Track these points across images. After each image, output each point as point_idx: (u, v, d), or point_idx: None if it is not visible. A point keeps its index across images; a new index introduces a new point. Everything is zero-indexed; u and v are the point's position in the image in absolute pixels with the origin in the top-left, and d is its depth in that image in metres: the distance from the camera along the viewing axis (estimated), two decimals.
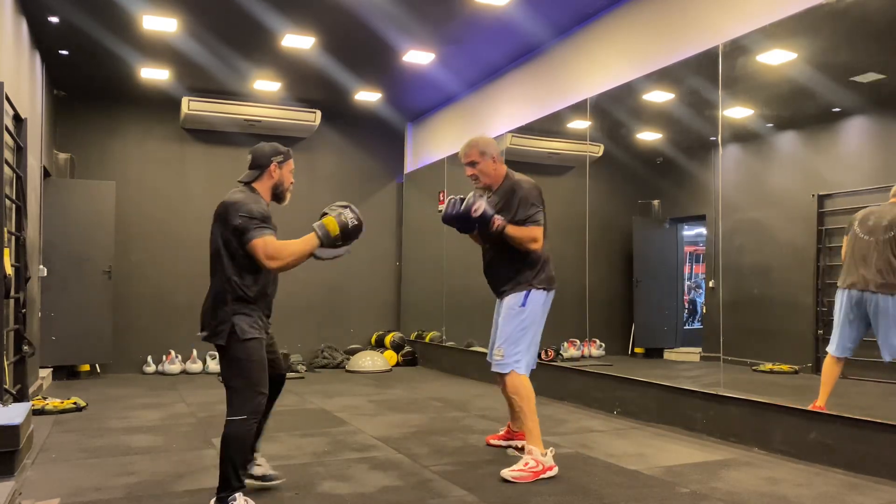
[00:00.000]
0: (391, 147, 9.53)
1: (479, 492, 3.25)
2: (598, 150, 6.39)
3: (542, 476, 3.43)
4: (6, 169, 4.64)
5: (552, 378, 5.88)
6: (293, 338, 8.20)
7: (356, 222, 2.94)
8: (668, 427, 4.71)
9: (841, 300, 4.19)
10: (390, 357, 8.52)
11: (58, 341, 7.05)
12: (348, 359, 8.40)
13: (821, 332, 5.32)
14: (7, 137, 4.71)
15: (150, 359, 7.90)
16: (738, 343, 5.44)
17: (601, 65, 5.93)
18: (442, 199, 8.37)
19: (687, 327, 7.94)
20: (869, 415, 3.60)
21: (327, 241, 2.90)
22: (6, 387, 4.42)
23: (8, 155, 4.75)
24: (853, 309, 4.12)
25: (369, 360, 8.15)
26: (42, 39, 6.42)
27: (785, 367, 5.56)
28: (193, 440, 4.38)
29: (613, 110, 6.16)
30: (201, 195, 8.32)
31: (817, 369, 5.25)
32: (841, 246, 4.37)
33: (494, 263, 3.76)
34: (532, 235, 3.58)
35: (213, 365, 7.93)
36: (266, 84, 7.74)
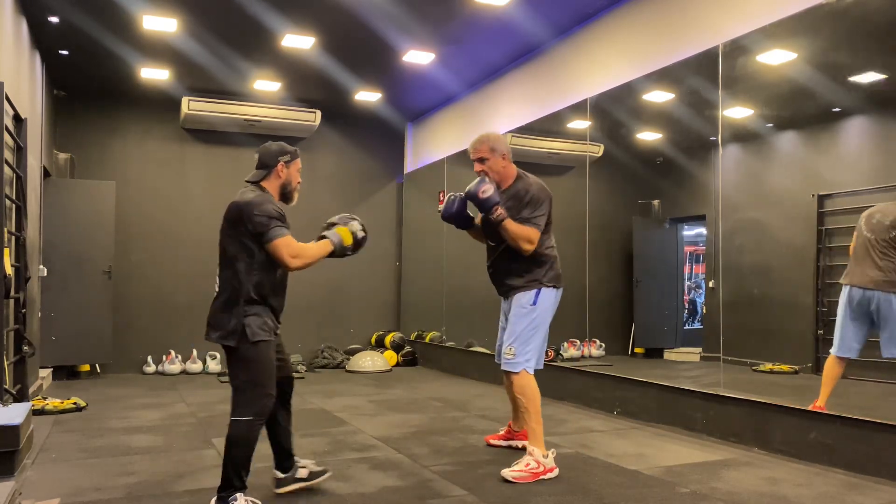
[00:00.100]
0: (391, 147, 9.53)
1: (479, 492, 3.25)
2: (598, 150, 6.39)
3: (541, 477, 3.43)
4: (6, 169, 4.64)
5: (552, 378, 5.87)
6: (293, 338, 8.18)
7: (364, 234, 3.11)
8: (668, 427, 4.72)
9: (843, 298, 4.17)
10: (390, 357, 8.52)
11: (58, 341, 7.05)
12: (348, 359, 8.40)
13: (821, 332, 5.32)
14: (7, 137, 4.71)
15: (150, 359, 7.90)
16: (738, 343, 5.44)
17: (601, 65, 5.93)
18: (442, 198, 8.37)
19: (687, 327, 7.94)
20: (869, 415, 3.60)
21: (340, 251, 3.03)
22: (6, 387, 4.42)
23: (8, 155, 4.75)
24: (855, 307, 4.10)
25: (369, 360, 8.15)
26: (42, 39, 6.42)
27: (785, 368, 5.56)
28: (193, 440, 4.38)
29: (613, 110, 6.16)
30: (201, 195, 8.33)
31: (817, 369, 5.25)
32: (841, 245, 4.37)
33: (503, 261, 3.71)
34: (528, 236, 3.56)
35: (213, 365, 7.93)
36: (266, 84, 7.74)
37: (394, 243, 9.40)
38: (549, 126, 6.66)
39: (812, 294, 5.48)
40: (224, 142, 8.43)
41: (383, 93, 8.18)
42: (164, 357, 7.88)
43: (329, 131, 8.90)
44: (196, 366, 7.89)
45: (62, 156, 7.63)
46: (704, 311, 7.61)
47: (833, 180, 5.45)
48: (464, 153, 7.80)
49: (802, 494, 3.21)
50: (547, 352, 6.24)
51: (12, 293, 4.71)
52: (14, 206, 4.96)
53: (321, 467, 3.29)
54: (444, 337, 8.31)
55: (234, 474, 2.80)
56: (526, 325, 3.60)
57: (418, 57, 6.87)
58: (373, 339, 9.08)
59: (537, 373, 3.73)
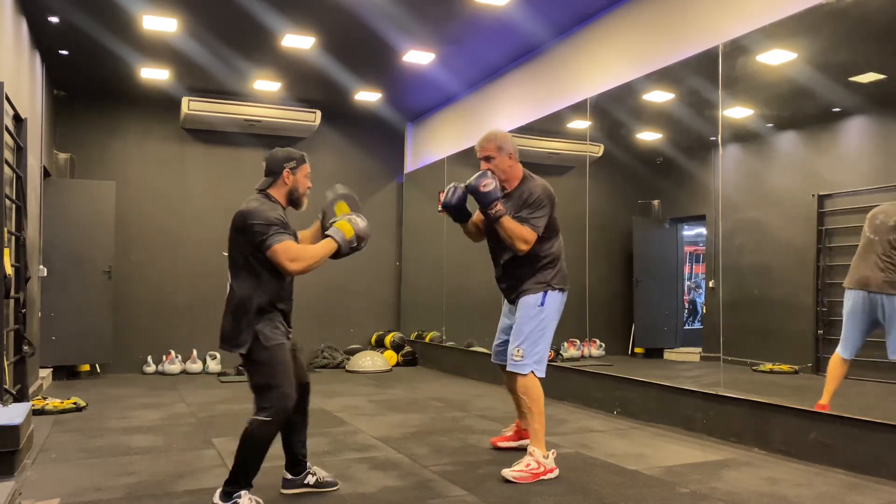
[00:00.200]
0: (391, 147, 9.53)
1: (479, 492, 3.24)
2: (598, 150, 6.39)
3: (542, 478, 3.43)
4: (6, 169, 4.63)
5: (552, 378, 5.83)
6: (293, 338, 8.19)
7: (364, 224, 3.07)
8: (668, 427, 4.72)
9: (848, 300, 4.13)
10: (390, 357, 8.52)
11: (58, 341, 7.05)
12: (348, 359, 8.40)
13: (821, 332, 5.32)
14: (7, 137, 4.71)
15: (150, 359, 7.90)
16: (738, 343, 5.44)
17: (601, 65, 5.93)
18: (442, 199, 8.37)
19: (687, 327, 7.94)
20: (869, 415, 3.60)
21: (345, 246, 2.99)
22: (6, 387, 4.42)
23: (8, 155, 4.75)
24: (859, 309, 4.06)
25: (369, 360, 8.15)
26: (42, 39, 6.42)
27: (785, 367, 5.56)
28: (193, 440, 4.38)
29: (613, 110, 6.16)
30: (201, 195, 8.34)
31: (817, 369, 5.25)
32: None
33: (512, 263, 3.69)
34: (524, 236, 3.53)
35: (213, 365, 7.93)
36: (266, 84, 7.74)
37: (394, 243, 9.40)
38: (549, 126, 6.66)
39: (812, 294, 5.48)
40: (224, 142, 8.43)
41: (383, 93, 8.18)
42: (164, 357, 7.88)
43: (329, 131, 8.90)
44: (196, 366, 7.89)
45: (62, 156, 7.63)
46: (704, 311, 7.61)
47: (833, 180, 5.45)
48: (464, 153, 7.84)
49: (802, 494, 3.21)
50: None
51: (12, 293, 4.71)
52: (14, 206, 4.96)
53: (332, 479, 3.28)
54: (444, 337, 8.31)
55: (243, 471, 2.82)
56: (534, 327, 3.58)
57: (418, 57, 6.87)
58: (373, 339, 9.08)
59: None
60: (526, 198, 3.61)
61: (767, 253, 6.08)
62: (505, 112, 7.31)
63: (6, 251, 4.50)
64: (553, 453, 3.56)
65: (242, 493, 2.81)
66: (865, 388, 4.74)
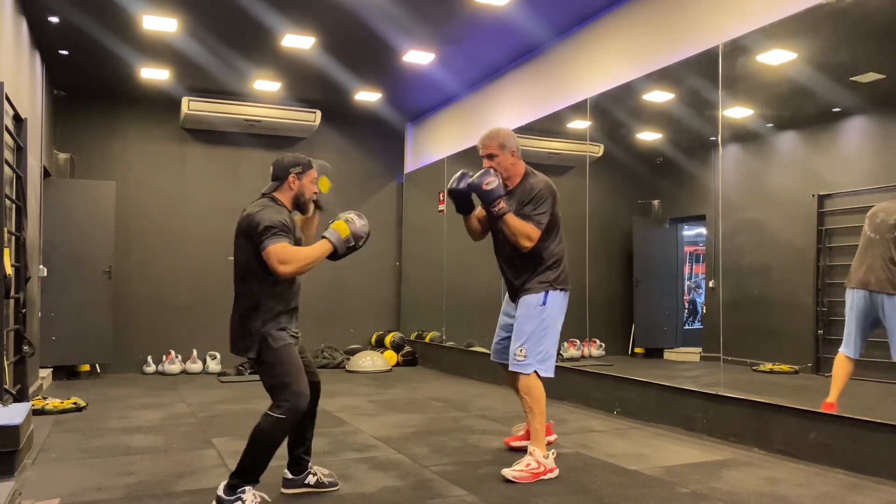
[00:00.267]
0: (391, 147, 9.53)
1: (479, 492, 3.25)
2: (598, 150, 6.39)
3: (542, 478, 3.43)
4: (6, 169, 4.63)
5: (552, 378, 5.87)
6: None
7: (363, 223, 3.05)
8: (668, 427, 4.72)
9: (849, 299, 4.12)
10: (390, 357, 8.52)
11: (58, 341, 7.05)
12: (348, 359, 8.40)
13: (821, 332, 5.32)
14: (7, 137, 4.71)
15: (150, 359, 7.91)
16: (738, 343, 5.43)
17: (601, 65, 5.93)
18: (442, 199, 8.37)
19: (687, 327, 7.94)
20: (869, 415, 3.60)
21: (341, 246, 2.97)
22: (6, 387, 4.41)
23: (8, 155, 4.75)
24: (860, 308, 4.05)
25: (369, 360, 8.15)
26: (42, 39, 6.42)
27: (785, 367, 5.56)
28: (193, 440, 4.38)
29: (613, 110, 6.16)
30: (201, 195, 8.34)
31: (817, 369, 5.25)
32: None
33: (514, 261, 3.69)
34: (528, 233, 3.53)
35: (213, 365, 7.94)
36: (266, 84, 7.74)
37: (394, 243, 9.40)
38: (549, 126, 6.66)
39: (812, 294, 5.47)
40: (224, 142, 8.43)
41: (383, 93, 8.18)
42: (164, 357, 7.88)
43: (329, 131, 8.90)
44: (196, 366, 7.89)
45: (62, 156, 7.63)
46: (704, 311, 7.61)
47: (833, 180, 5.45)
48: (464, 153, 7.84)
49: (802, 494, 3.21)
50: None
51: (12, 293, 4.71)
52: (14, 206, 4.96)
53: (332, 480, 3.29)
54: (444, 337, 8.31)
55: (251, 467, 2.83)
56: (536, 326, 3.57)
57: (418, 57, 6.87)
58: (373, 339, 9.08)
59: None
60: (528, 193, 3.60)
61: (767, 253, 6.08)
62: (505, 112, 7.31)
63: (6, 251, 4.50)
64: (553, 453, 3.56)
65: (247, 488, 2.81)
66: (866, 388, 4.74)
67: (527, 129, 6.82)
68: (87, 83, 7.64)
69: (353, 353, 8.56)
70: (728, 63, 4.62)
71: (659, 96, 5.98)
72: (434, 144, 8.90)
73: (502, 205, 3.52)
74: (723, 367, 4.59)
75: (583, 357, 6.54)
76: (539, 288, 3.60)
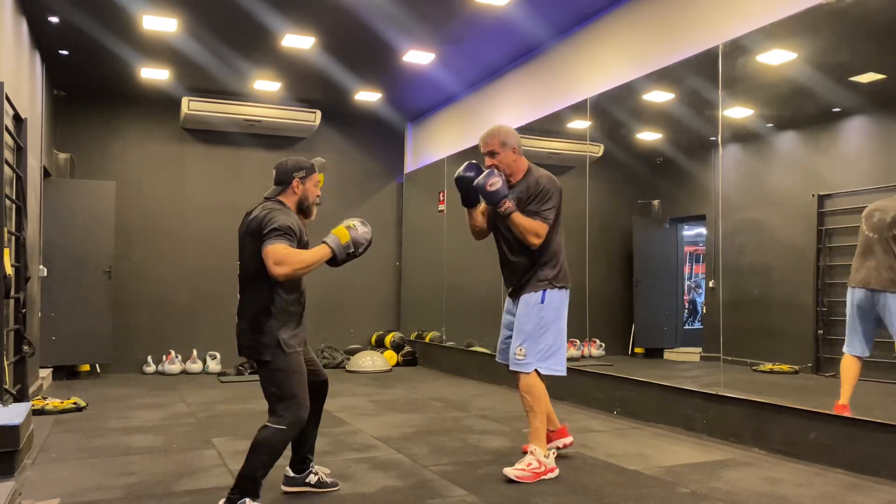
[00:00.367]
0: (391, 147, 9.53)
1: (479, 492, 3.25)
2: (598, 150, 6.39)
3: (543, 477, 3.43)
4: (6, 169, 4.64)
5: (552, 378, 5.85)
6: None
7: (365, 230, 3.02)
8: (668, 427, 4.72)
9: (851, 299, 4.10)
10: (390, 357, 8.52)
11: (58, 341, 7.05)
12: (348, 359, 8.40)
13: (821, 332, 5.32)
14: (7, 137, 4.71)
15: (150, 359, 7.91)
16: (738, 343, 5.43)
17: (601, 65, 5.93)
18: (442, 199, 8.38)
19: (687, 327, 7.94)
20: (869, 415, 3.60)
21: (341, 251, 2.94)
22: (6, 387, 4.41)
23: (8, 155, 4.75)
24: (862, 308, 4.04)
25: (369, 360, 8.15)
26: (42, 39, 6.42)
27: (785, 367, 5.56)
28: (193, 440, 4.38)
29: (613, 110, 6.16)
30: (201, 195, 8.34)
31: (817, 369, 5.25)
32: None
33: (514, 259, 3.69)
34: (536, 230, 3.53)
35: (213, 365, 7.94)
36: (266, 84, 7.74)
37: (394, 243, 9.40)
38: (549, 126, 6.65)
39: (812, 294, 5.47)
40: (224, 142, 8.43)
41: (383, 93, 8.18)
42: (164, 357, 7.88)
43: (329, 131, 8.90)
44: (196, 366, 7.89)
45: (62, 156, 7.63)
46: (704, 311, 7.61)
47: (833, 180, 5.45)
48: (464, 153, 7.84)
49: (802, 494, 3.21)
50: None
51: (12, 293, 4.71)
52: (14, 206, 4.96)
53: (332, 479, 3.30)
54: (444, 337, 8.31)
55: (251, 479, 2.79)
56: (535, 325, 3.56)
57: (418, 57, 6.87)
58: (373, 339, 9.08)
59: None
60: (532, 189, 3.60)
61: (767, 253, 6.08)
62: (505, 112, 7.31)
63: (6, 251, 4.50)
64: (554, 452, 3.56)
65: (246, 499, 2.78)
66: (866, 388, 4.73)
67: (527, 129, 6.82)
68: (87, 83, 7.64)
69: (353, 353, 8.56)
70: (728, 63, 4.62)
71: (659, 96, 5.98)
72: (434, 144, 8.90)
73: (508, 204, 3.53)
74: (723, 367, 4.59)
75: (583, 357, 6.54)
76: (538, 286, 3.60)
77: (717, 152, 5.08)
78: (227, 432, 4.60)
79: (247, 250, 2.92)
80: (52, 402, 5.35)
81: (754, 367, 5.67)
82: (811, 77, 5.11)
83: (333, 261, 2.97)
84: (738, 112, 5.71)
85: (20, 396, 4.75)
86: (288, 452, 3.14)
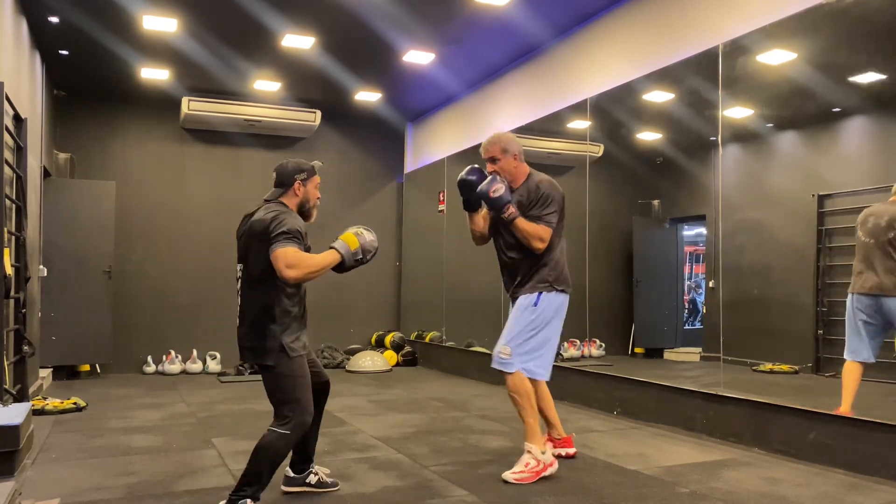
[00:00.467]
0: (391, 147, 9.53)
1: (479, 492, 3.25)
2: (598, 150, 6.39)
3: (543, 475, 3.43)
4: (6, 169, 4.64)
5: (552, 378, 5.87)
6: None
7: (372, 238, 3.05)
8: (668, 427, 4.72)
9: (852, 306, 4.07)
10: (390, 357, 8.52)
11: (58, 341, 7.05)
12: (348, 359, 8.40)
13: (821, 332, 5.32)
14: (7, 137, 4.71)
15: (150, 359, 7.91)
16: (738, 343, 5.44)
17: (601, 65, 5.93)
18: (442, 199, 8.38)
19: (687, 327, 7.94)
20: (869, 415, 3.60)
21: (349, 257, 2.95)
22: (6, 387, 4.41)
23: (8, 155, 4.75)
24: (865, 314, 4.01)
25: (369, 360, 8.15)
26: (42, 39, 6.42)
27: (785, 367, 5.56)
28: (193, 440, 4.38)
29: (613, 110, 6.16)
30: (201, 195, 8.34)
31: (817, 369, 5.25)
32: (841, 245, 4.33)
33: (513, 262, 3.70)
34: (539, 234, 3.55)
35: (213, 365, 7.93)
36: (266, 84, 7.74)
37: (394, 243, 9.40)
38: (549, 126, 6.66)
39: (812, 294, 5.47)
40: (224, 142, 8.43)
41: (383, 93, 8.18)
42: (164, 357, 7.88)
43: (329, 131, 8.90)
44: (196, 366, 7.89)
45: (62, 156, 7.63)
46: (704, 310, 7.61)
47: (833, 180, 5.45)
48: (464, 153, 7.85)
49: (802, 494, 3.21)
50: None
51: (12, 293, 4.71)
52: (14, 206, 4.96)
53: (332, 479, 3.30)
54: (444, 337, 8.31)
55: (253, 482, 2.78)
56: (524, 326, 3.57)
57: (418, 57, 6.87)
58: (373, 339, 9.08)
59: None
60: (533, 194, 3.62)
61: (767, 253, 6.08)
62: (505, 112, 7.31)
63: (6, 251, 4.50)
64: (550, 446, 3.55)
65: (247, 501, 2.77)
66: (866, 388, 4.73)
67: (527, 129, 6.83)
68: (87, 83, 7.64)
69: (353, 353, 8.56)
70: (728, 63, 4.62)
71: (659, 96, 5.98)
72: (434, 144, 8.90)
73: (512, 210, 3.56)
74: (723, 367, 4.59)
75: (583, 357, 6.54)
76: (535, 288, 3.61)
77: (717, 152, 5.08)
78: (227, 432, 4.60)
79: (251, 252, 2.90)
80: (52, 402, 5.35)
81: (754, 367, 5.67)
82: (811, 77, 5.11)
83: (340, 267, 2.98)
84: (738, 112, 5.71)
85: (20, 396, 4.75)
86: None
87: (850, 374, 4.01)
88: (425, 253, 8.84)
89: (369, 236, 3.04)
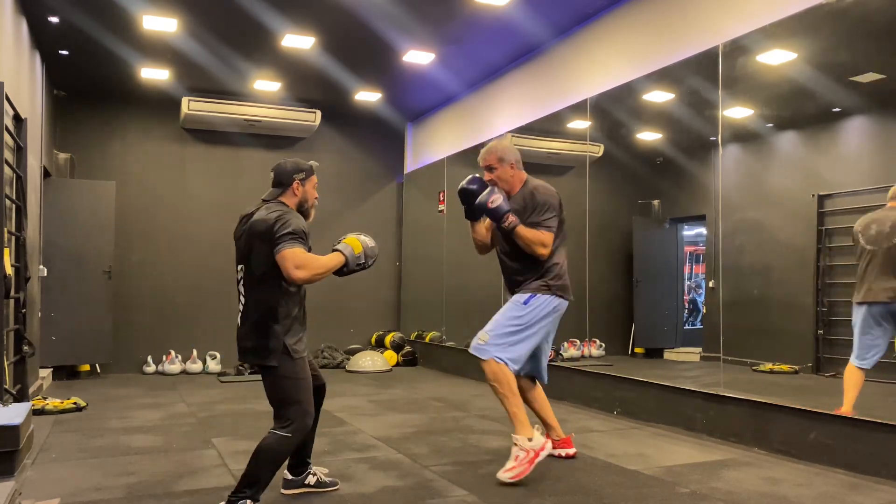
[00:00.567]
0: (391, 147, 9.53)
1: (479, 492, 3.25)
2: (598, 150, 6.39)
3: (537, 460, 3.40)
4: (6, 169, 4.64)
5: (552, 378, 5.85)
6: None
7: (374, 244, 3.10)
8: (668, 427, 4.72)
9: (860, 314, 4.02)
10: (390, 357, 8.52)
11: (58, 341, 7.05)
12: (348, 359, 8.40)
13: (821, 332, 5.32)
14: (7, 137, 4.71)
15: (150, 359, 7.91)
16: (738, 343, 5.43)
17: (601, 65, 5.93)
18: (442, 199, 8.38)
19: (687, 327, 7.94)
20: (869, 415, 3.60)
21: (352, 260, 2.98)
22: (6, 387, 4.42)
23: (8, 155, 4.75)
24: (880, 322, 3.97)
25: (369, 360, 8.15)
26: (42, 39, 6.42)
27: (785, 367, 5.56)
28: (193, 440, 4.38)
29: (613, 110, 6.16)
30: (201, 195, 8.34)
31: (817, 369, 5.25)
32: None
33: (514, 268, 3.72)
34: (542, 240, 3.57)
35: (213, 365, 7.93)
36: (266, 84, 7.74)
37: (394, 243, 9.40)
38: (549, 126, 6.66)
39: (812, 294, 5.47)
40: (224, 142, 8.43)
41: (383, 93, 8.18)
42: (164, 357, 7.88)
43: (329, 131, 8.90)
44: (196, 366, 7.89)
45: (62, 156, 7.63)
46: (704, 311, 7.61)
47: (833, 180, 5.45)
48: (464, 153, 7.85)
49: (802, 494, 3.21)
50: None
51: (12, 293, 4.71)
52: (14, 206, 4.96)
53: (331, 479, 3.30)
54: (444, 337, 8.31)
55: (253, 484, 2.77)
56: (508, 320, 3.57)
57: (418, 57, 6.87)
58: (373, 339, 9.08)
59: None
60: (529, 201, 3.64)
61: (767, 253, 6.08)
62: (505, 112, 7.31)
63: (6, 251, 4.50)
64: (537, 428, 3.53)
65: (248, 502, 2.77)
66: (866, 388, 4.73)
67: (527, 129, 6.83)
68: (87, 83, 7.64)
69: (353, 353, 8.56)
70: (728, 63, 4.62)
71: (659, 96, 5.98)
72: (434, 144, 8.90)
73: (511, 219, 3.57)
74: (723, 367, 4.59)
75: (583, 357, 6.54)
76: (531, 288, 3.62)
77: (717, 152, 5.08)
78: (227, 432, 4.60)
79: (253, 253, 2.88)
80: (52, 402, 5.35)
81: (754, 367, 5.67)
82: (811, 77, 5.11)
83: (341, 270, 2.99)
84: (738, 112, 5.71)
85: (20, 396, 4.75)
86: None
87: (853, 376, 4.01)
88: (425, 253, 8.84)
89: (371, 242, 3.08)
